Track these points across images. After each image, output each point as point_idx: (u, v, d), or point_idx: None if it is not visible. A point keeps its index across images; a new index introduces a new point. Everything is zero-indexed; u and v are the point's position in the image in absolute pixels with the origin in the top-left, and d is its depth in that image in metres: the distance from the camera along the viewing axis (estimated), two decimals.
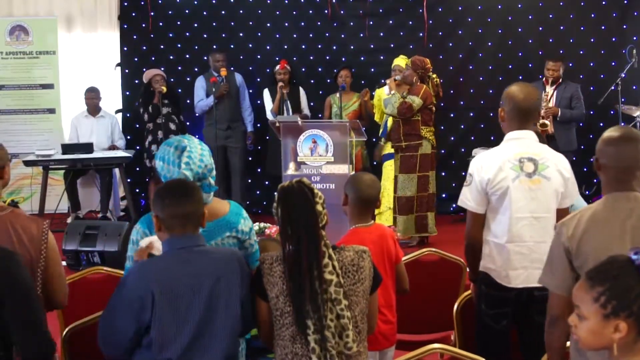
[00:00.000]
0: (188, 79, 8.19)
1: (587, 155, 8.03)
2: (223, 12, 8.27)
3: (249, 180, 8.03)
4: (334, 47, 8.23)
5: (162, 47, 8.24)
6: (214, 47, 8.12)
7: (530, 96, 3.16)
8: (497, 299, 3.08)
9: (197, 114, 7.79)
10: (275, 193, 2.48)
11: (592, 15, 8.15)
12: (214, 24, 8.23)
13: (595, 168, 2.52)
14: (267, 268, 2.40)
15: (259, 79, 8.16)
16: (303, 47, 8.22)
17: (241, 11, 8.27)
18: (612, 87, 7.25)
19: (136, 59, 8.28)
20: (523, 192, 3.01)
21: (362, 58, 8.05)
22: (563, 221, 2.42)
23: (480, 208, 3.09)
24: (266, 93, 7.59)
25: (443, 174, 8.09)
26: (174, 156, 2.59)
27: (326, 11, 8.16)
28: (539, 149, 3.12)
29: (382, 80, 6.98)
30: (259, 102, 7.91)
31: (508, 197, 3.01)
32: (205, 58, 8.06)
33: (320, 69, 8.18)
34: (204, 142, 2.73)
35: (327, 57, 8.18)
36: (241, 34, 8.26)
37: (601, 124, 8.03)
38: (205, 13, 8.22)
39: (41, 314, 2.42)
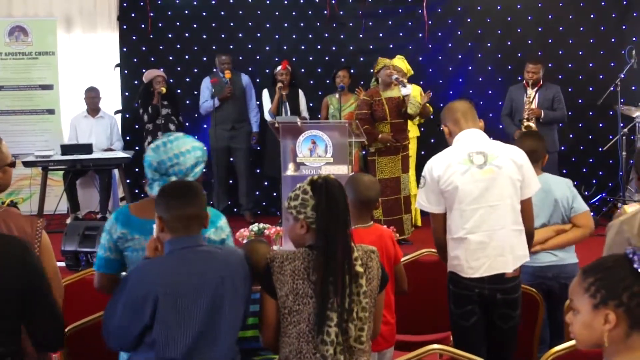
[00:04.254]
0: (187, 79, 8.21)
1: (586, 156, 8.06)
2: (222, 13, 8.27)
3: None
4: (333, 48, 8.23)
5: (161, 47, 8.24)
6: (214, 47, 8.13)
7: (461, 100, 3.38)
8: (462, 297, 3.13)
9: (202, 114, 7.79)
10: (307, 186, 2.43)
11: (592, 16, 8.17)
12: (214, 24, 8.23)
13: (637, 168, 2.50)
14: (278, 266, 2.40)
15: (258, 80, 8.15)
16: (302, 47, 8.23)
17: (240, 12, 8.27)
18: (612, 88, 7.26)
19: (135, 60, 8.28)
20: (475, 184, 3.06)
21: (362, 58, 8.06)
22: (623, 220, 2.41)
23: (437, 208, 3.16)
24: (265, 93, 7.59)
25: None
26: (159, 140, 2.69)
27: (325, 12, 8.17)
28: (488, 143, 3.18)
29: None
30: (258, 102, 7.92)
31: (460, 190, 3.06)
32: (205, 59, 8.07)
33: (319, 70, 8.18)
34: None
35: (327, 58, 8.19)
36: (240, 35, 8.26)
37: (600, 125, 8.06)
38: (204, 14, 8.23)
39: (55, 302, 2.41)
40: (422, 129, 7.62)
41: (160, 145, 2.67)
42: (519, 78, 7.72)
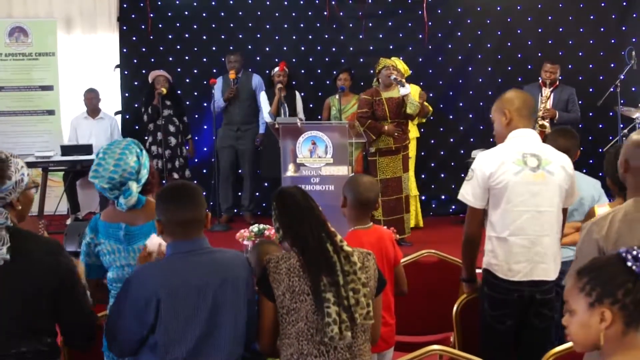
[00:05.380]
0: (187, 80, 8.21)
1: (586, 157, 8.04)
2: (222, 14, 8.27)
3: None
4: (333, 49, 8.23)
5: (161, 48, 8.24)
6: (214, 48, 8.14)
7: (530, 97, 3.30)
8: (500, 301, 3.10)
9: (217, 112, 7.70)
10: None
11: (591, 17, 8.17)
12: (213, 25, 8.23)
13: (622, 170, 2.49)
14: (273, 266, 2.43)
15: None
16: (302, 48, 8.22)
17: (240, 13, 8.27)
18: (611, 89, 7.25)
19: (135, 61, 8.28)
20: (526, 186, 3.04)
21: (362, 60, 8.05)
22: (594, 221, 2.42)
23: (479, 203, 3.13)
24: (263, 95, 7.57)
25: (442, 175, 8.10)
26: (93, 166, 2.67)
27: (325, 12, 8.17)
28: (542, 146, 3.17)
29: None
30: None
31: (510, 190, 3.04)
32: (205, 59, 8.07)
33: (319, 71, 8.18)
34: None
35: (327, 59, 8.18)
36: (240, 36, 8.26)
37: (600, 126, 8.06)
38: (204, 15, 8.22)
39: (87, 303, 2.47)
40: (422, 130, 7.62)
41: (98, 168, 2.64)
42: (519, 79, 7.73)
